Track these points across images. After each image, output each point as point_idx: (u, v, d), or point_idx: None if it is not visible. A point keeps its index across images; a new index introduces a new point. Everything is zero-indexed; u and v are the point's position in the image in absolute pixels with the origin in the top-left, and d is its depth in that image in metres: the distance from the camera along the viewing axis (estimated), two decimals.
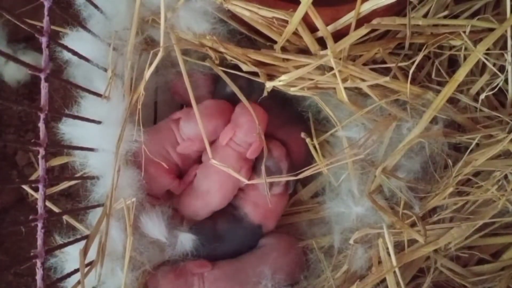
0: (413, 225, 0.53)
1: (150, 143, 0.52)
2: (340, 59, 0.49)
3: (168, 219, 0.55)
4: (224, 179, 0.57)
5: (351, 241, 0.54)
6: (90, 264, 0.47)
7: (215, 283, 0.55)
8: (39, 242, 0.41)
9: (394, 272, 0.50)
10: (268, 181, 0.54)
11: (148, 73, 0.49)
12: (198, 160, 0.60)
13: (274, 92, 0.54)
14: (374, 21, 0.49)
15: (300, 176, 0.52)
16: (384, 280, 0.51)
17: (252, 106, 0.54)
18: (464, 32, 0.50)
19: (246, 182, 0.53)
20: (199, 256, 0.58)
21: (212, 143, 0.58)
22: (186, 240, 0.56)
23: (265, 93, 0.52)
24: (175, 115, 0.58)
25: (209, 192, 0.58)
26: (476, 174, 0.55)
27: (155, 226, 0.53)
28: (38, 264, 0.40)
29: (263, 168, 0.52)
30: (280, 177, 0.55)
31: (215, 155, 0.55)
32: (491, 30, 0.50)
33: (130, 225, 0.49)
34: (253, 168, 0.59)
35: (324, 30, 0.49)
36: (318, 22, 0.48)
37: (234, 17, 0.53)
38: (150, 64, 0.49)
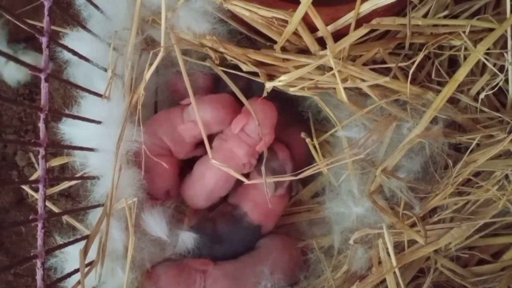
0: (413, 225, 0.53)
1: (145, 134, 0.51)
2: (340, 59, 0.49)
3: (169, 217, 0.55)
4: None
5: (351, 241, 0.54)
6: (90, 264, 0.47)
7: (215, 282, 0.55)
8: (39, 242, 0.41)
9: (394, 272, 0.50)
10: (273, 183, 0.54)
11: (148, 73, 0.49)
12: (193, 149, 0.60)
13: (275, 93, 0.54)
14: (374, 21, 0.49)
15: (300, 176, 0.52)
16: (384, 280, 0.51)
17: (262, 101, 0.54)
18: (464, 32, 0.50)
19: (247, 182, 0.53)
20: (200, 255, 0.58)
21: (212, 136, 0.57)
22: (187, 238, 0.56)
23: (264, 93, 0.52)
24: (185, 100, 0.57)
25: (203, 176, 0.57)
26: (477, 174, 0.55)
27: (156, 224, 0.54)
28: (38, 264, 0.40)
29: (263, 168, 0.52)
30: (281, 177, 0.55)
31: (224, 145, 0.55)
32: (491, 30, 0.50)
33: (132, 224, 0.49)
34: (256, 168, 0.59)
35: (324, 30, 0.49)
36: (318, 22, 0.48)
37: (234, 17, 0.53)
38: (151, 64, 0.49)
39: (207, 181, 0.58)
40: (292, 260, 0.59)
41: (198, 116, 0.50)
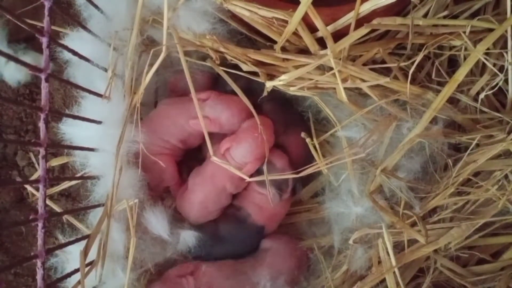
0: (413, 225, 0.53)
1: (143, 133, 0.52)
2: (340, 59, 0.49)
3: (171, 216, 0.55)
4: (208, 184, 0.57)
5: (350, 241, 0.54)
6: (91, 264, 0.47)
7: (212, 281, 0.55)
8: (40, 242, 0.41)
9: (394, 272, 0.50)
10: (277, 191, 0.56)
11: (150, 73, 0.49)
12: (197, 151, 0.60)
13: (274, 94, 0.54)
14: (374, 21, 0.49)
15: (300, 175, 0.53)
16: (384, 280, 0.51)
17: (254, 130, 0.54)
18: (464, 32, 0.50)
19: (248, 179, 0.54)
20: (200, 255, 0.58)
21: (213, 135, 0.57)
22: (188, 237, 0.56)
23: (265, 93, 0.53)
24: (202, 94, 0.56)
25: (194, 189, 0.58)
26: (476, 174, 0.55)
27: (158, 222, 0.54)
28: (39, 264, 0.40)
29: (266, 176, 0.52)
30: (280, 175, 0.55)
31: (209, 163, 0.55)
32: (491, 30, 0.50)
33: (133, 226, 0.49)
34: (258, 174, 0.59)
35: (324, 30, 0.49)
36: (317, 22, 0.48)
37: (234, 17, 0.53)
38: (151, 64, 0.49)
39: (197, 194, 0.57)
40: (295, 261, 0.58)
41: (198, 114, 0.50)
